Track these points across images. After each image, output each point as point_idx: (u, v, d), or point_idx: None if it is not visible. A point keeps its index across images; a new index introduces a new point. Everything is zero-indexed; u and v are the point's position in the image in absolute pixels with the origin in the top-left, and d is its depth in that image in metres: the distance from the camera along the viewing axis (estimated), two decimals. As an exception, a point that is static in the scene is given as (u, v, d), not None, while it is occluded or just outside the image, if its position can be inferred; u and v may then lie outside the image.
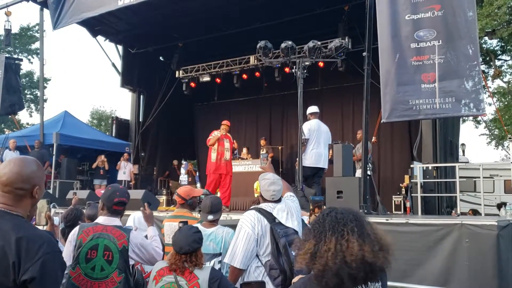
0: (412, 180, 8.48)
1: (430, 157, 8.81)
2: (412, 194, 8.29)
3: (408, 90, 6.54)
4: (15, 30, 13.91)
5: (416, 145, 8.66)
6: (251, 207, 3.24)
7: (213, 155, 8.87)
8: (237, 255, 2.93)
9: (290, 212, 3.06)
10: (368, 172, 8.73)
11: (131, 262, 3.03)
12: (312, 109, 8.41)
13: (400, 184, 9.95)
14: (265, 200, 3.11)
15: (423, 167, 8.22)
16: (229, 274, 3.02)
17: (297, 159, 8.07)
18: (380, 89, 6.71)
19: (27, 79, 26.06)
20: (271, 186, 3.08)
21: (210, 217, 3.48)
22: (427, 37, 6.51)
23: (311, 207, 3.58)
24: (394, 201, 9.71)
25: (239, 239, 2.97)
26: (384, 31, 6.77)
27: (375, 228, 1.67)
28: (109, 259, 2.88)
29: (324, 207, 3.24)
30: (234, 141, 9.77)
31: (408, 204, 8.91)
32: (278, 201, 3.12)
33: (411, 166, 8.65)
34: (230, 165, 9.08)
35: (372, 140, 9.93)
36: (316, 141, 8.00)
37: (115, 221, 3.06)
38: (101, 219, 3.06)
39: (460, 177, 7.66)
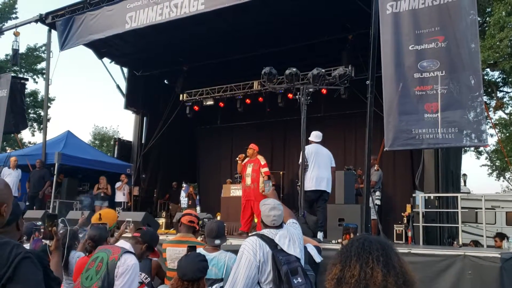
0: (414, 209, 8.43)
1: (432, 187, 8.77)
2: (413, 224, 8.23)
3: (411, 119, 6.57)
4: (22, 50, 14.13)
5: (418, 174, 8.65)
6: (252, 233, 3.22)
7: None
8: (238, 283, 2.86)
9: (292, 239, 3.03)
10: (378, 202, 8.73)
11: (116, 282, 2.96)
12: (314, 135, 8.42)
13: (402, 213, 9.87)
14: (266, 226, 3.09)
15: (425, 196, 8.18)
16: None
17: (298, 184, 8.06)
18: (383, 118, 6.75)
19: (31, 98, 26.24)
20: (272, 211, 3.06)
21: (217, 241, 3.46)
22: (430, 68, 6.58)
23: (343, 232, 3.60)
24: (396, 230, 9.61)
25: (240, 266, 2.90)
26: (388, 60, 6.84)
27: (403, 262, 1.63)
28: (98, 269, 2.95)
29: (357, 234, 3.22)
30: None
31: (409, 234, 8.82)
32: (280, 227, 3.09)
33: (413, 195, 8.61)
34: (254, 191, 8.88)
35: (375, 168, 9.92)
36: (316, 164, 8.00)
37: (126, 245, 3.14)
38: (118, 242, 3.21)
39: (462, 208, 7.61)
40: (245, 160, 9.26)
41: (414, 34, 6.72)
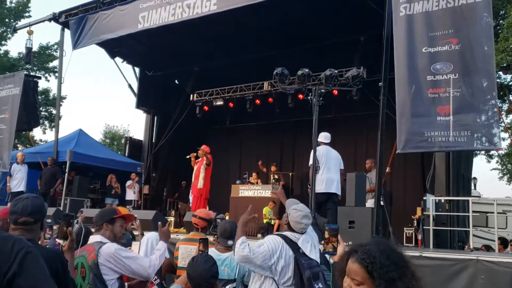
0: (424, 213, 8.38)
1: (443, 190, 8.72)
2: (424, 227, 8.18)
3: (424, 122, 6.54)
4: (34, 48, 14.21)
5: (429, 177, 8.60)
6: (276, 233, 3.20)
7: None
8: (256, 246, 2.96)
9: (313, 244, 3.03)
10: (381, 203, 8.68)
11: (112, 275, 3.00)
12: (323, 136, 8.40)
13: (412, 216, 9.82)
14: (291, 230, 3.08)
15: (435, 199, 8.13)
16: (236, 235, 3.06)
17: (309, 185, 8.05)
18: (396, 120, 6.72)
19: (42, 96, 26.40)
20: (304, 219, 3.05)
21: (230, 242, 3.46)
22: (443, 70, 6.54)
23: (326, 235, 3.55)
24: (406, 233, 9.56)
25: (264, 245, 3.00)
26: (401, 62, 6.81)
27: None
28: (83, 275, 2.93)
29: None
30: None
31: (419, 237, 8.77)
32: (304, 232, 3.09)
33: (424, 198, 8.56)
34: (194, 187, 10.18)
35: (387, 170, 9.87)
36: (326, 166, 7.98)
37: (97, 238, 3.11)
38: (90, 239, 3.15)
39: (473, 212, 7.56)
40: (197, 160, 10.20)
41: (428, 36, 6.68)
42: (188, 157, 10.39)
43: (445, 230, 8.16)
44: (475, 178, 17.04)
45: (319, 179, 7.84)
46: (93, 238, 3.11)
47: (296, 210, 3.10)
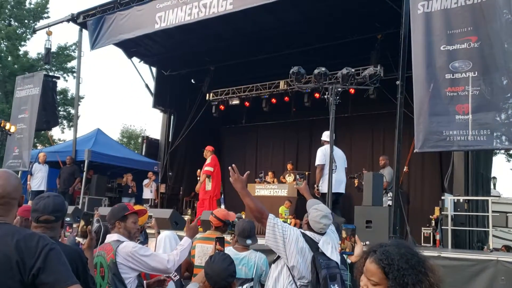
0: (442, 212, 8.29)
1: (462, 190, 8.60)
2: (442, 227, 8.09)
3: (442, 120, 6.45)
4: (53, 48, 14.42)
5: (448, 176, 8.49)
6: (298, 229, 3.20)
7: None
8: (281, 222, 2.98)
9: (334, 245, 3.00)
10: (389, 202, 8.61)
11: (131, 273, 3.03)
12: (326, 135, 8.37)
13: (430, 216, 9.71)
14: (310, 230, 3.07)
15: (454, 199, 8.03)
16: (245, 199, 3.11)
17: (315, 186, 8.05)
18: (413, 119, 6.65)
19: (61, 96, 26.76)
20: (323, 219, 3.03)
21: (249, 241, 3.47)
22: (462, 68, 6.45)
23: (344, 235, 3.53)
24: (424, 233, 9.47)
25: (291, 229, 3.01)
26: (419, 60, 6.74)
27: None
28: (102, 275, 2.97)
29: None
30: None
31: (437, 237, 8.67)
32: (324, 233, 3.08)
33: (442, 198, 8.46)
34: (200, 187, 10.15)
35: (404, 169, 9.78)
36: (335, 166, 7.95)
37: (114, 237, 3.13)
38: (107, 238, 3.17)
39: (493, 212, 7.44)
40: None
41: (446, 34, 6.59)
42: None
43: (464, 230, 8.05)
44: (494, 178, 16.76)
45: (327, 179, 7.82)
46: (110, 237, 3.14)
47: (316, 210, 3.08)
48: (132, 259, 2.99)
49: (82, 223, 2.87)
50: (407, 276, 1.54)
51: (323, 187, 7.64)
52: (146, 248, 3.23)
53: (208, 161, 10.05)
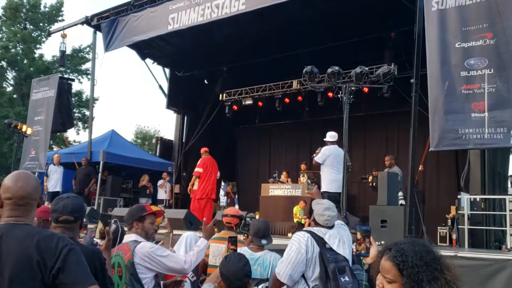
0: (459, 212, 8.19)
1: (478, 188, 8.49)
2: (458, 226, 8.00)
3: (457, 119, 6.38)
4: (68, 51, 14.59)
5: (464, 175, 8.39)
6: (303, 229, 3.21)
7: None
8: (284, 267, 2.92)
9: (342, 240, 3.02)
10: (402, 202, 8.56)
11: (148, 274, 3.05)
12: (331, 135, 8.36)
13: (446, 215, 9.61)
14: (317, 225, 3.08)
15: (470, 198, 7.93)
16: (272, 284, 2.99)
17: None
18: (428, 117, 6.59)
19: (76, 98, 27.09)
20: (326, 211, 3.05)
21: (264, 241, 3.47)
22: (478, 66, 6.37)
23: (358, 236, 3.52)
24: (440, 232, 9.38)
25: (290, 254, 2.95)
26: (433, 58, 6.68)
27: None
28: (119, 275, 2.99)
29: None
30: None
31: (454, 236, 8.58)
32: (331, 227, 3.09)
33: (458, 196, 8.37)
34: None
35: (420, 168, 9.69)
36: (336, 166, 7.94)
37: (131, 237, 3.16)
38: (124, 238, 3.19)
39: (510, 210, 7.34)
40: None
41: (461, 31, 6.52)
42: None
43: (480, 229, 7.95)
44: (511, 176, 16.52)
45: (329, 178, 7.82)
46: (128, 237, 3.16)
47: (319, 203, 3.12)
48: (149, 260, 3.02)
49: (100, 225, 2.90)
50: (421, 273, 1.55)
51: (324, 187, 7.71)
52: (163, 248, 3.25)
53: (198, 162, 10.49)
